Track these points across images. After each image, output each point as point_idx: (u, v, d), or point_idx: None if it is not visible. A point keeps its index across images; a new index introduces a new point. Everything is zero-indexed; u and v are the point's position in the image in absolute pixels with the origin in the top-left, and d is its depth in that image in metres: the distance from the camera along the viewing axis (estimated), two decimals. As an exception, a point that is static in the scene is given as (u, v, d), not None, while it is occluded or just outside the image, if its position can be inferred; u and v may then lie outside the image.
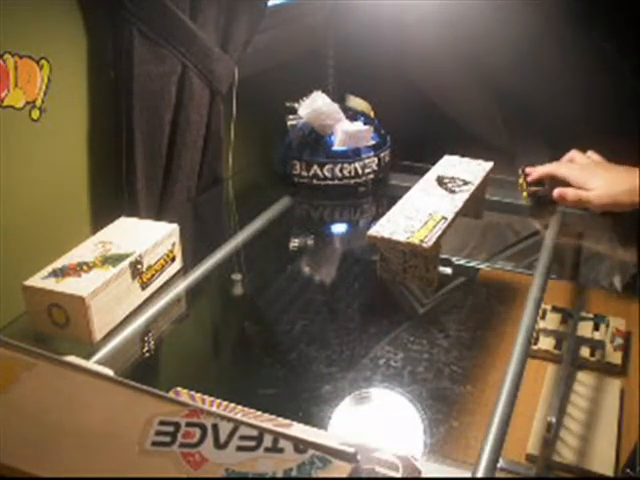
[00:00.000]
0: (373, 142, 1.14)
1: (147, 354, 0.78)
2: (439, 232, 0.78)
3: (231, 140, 1.13)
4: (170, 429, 0.46)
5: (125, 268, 0.74)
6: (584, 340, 0.84)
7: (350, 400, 0.71)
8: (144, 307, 0.78)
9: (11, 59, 0.77)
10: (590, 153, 1.05)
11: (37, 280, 0.71)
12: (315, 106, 1.12)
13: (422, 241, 0.76)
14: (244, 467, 0.43)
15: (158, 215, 0.98)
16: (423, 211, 0.83)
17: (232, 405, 0.57)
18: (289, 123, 1.14)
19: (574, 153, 1.06)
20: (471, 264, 1.04)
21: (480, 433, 0.61)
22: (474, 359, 0.80)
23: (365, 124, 1.15)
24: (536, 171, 1.06)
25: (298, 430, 0.53)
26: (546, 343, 0.84)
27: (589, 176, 0.98)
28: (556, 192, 0.99)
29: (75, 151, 0.90)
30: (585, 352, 0.83)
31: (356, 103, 1.22)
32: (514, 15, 1.29)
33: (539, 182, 1.06)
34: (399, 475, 0.50)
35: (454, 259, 1.02)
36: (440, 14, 1.35)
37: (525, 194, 1.07)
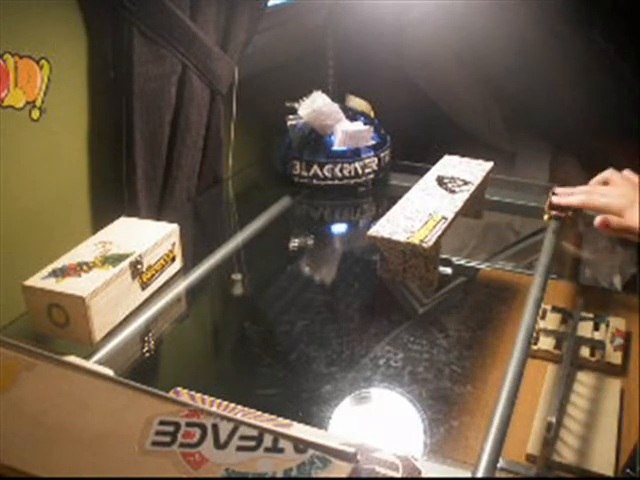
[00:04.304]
0: (373, 142, 1.14)
1: (147, 354, 0.78)
2: (439, 232, 0.78)
3: (231, 140, 1.13)
4: (170, 429, 0.46)
5: (125, 268, 0.74)
6: (584, 340, 0.84)
7: (350, 400, 0.71)
8: (144, 307, 0.78)
9: (11, 59, 0.77)
10: (627, 173, 0.92)
11: (37, 280, 0.70)
12: (315, 106, 1.12)
13: (422, 241, 0.76)
14: (244, 467, 0.43)
15: (158, 215, 0.98)
16: (423, 211, 0.83)
17: (232, 405, 0.57)
18: (289, 123, 1.14)
19: (610, 174, 0.92)
20: (471, 264, 1.04)
21: (480, 433, 0.61)
22: (474, 359, 0.80)
23: (365, 124, 1.14)
24: (567, 199, 0.93)
25: (298, 430, 0.53)
26: (546, 343, 0.84)
27: (628, 205, 0.86)
28: (598, 220, 0.88)
29: (75, 151, 0.90)
30: (585, 352, 0.83)
31: (356, 103, 1.22)
32: (514, 15, 1.29)
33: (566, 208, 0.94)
34: (399, 475, 0.50)
35: (454, 259, 1.02)
36: (440, 14, 1.35)
37: (547, 216, 0.96)
